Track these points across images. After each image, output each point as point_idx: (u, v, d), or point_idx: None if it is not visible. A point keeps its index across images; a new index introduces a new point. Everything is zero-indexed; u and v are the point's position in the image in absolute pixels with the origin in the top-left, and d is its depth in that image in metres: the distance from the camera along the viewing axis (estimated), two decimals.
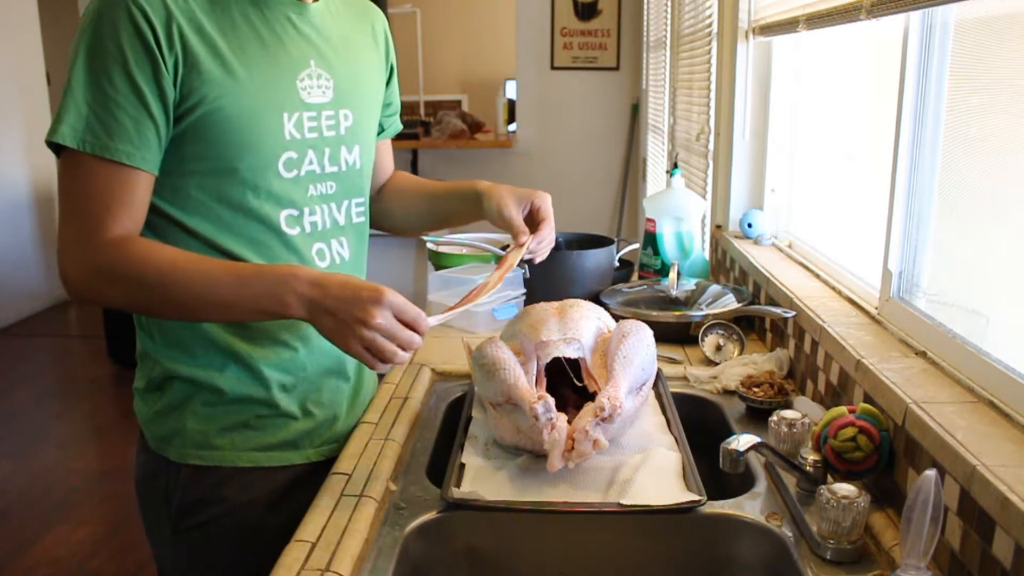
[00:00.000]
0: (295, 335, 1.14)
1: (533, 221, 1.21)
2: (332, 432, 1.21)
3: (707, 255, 2.21)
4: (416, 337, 0.97)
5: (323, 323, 0.97)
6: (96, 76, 0.96)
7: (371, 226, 1.29)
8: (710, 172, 2.31)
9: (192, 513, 1.13)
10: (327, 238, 1.17)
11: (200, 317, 1.06)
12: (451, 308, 1.08)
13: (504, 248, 1.32)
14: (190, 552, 1.15)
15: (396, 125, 1.37)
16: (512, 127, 5.24)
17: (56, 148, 0.99)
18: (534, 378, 1.13)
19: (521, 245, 1.18)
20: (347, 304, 0.95)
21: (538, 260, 1.23)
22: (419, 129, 4.99)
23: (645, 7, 4.40)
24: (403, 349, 0.96)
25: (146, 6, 0.97)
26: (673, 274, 1.76)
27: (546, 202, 1.22)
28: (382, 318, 0.94)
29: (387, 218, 1.39)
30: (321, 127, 1.12)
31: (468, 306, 1.09)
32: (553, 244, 1.24)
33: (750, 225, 1.95)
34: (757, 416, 1.30)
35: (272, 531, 1.05)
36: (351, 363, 1.24)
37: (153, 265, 0.99)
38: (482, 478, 1.08)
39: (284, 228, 1.11)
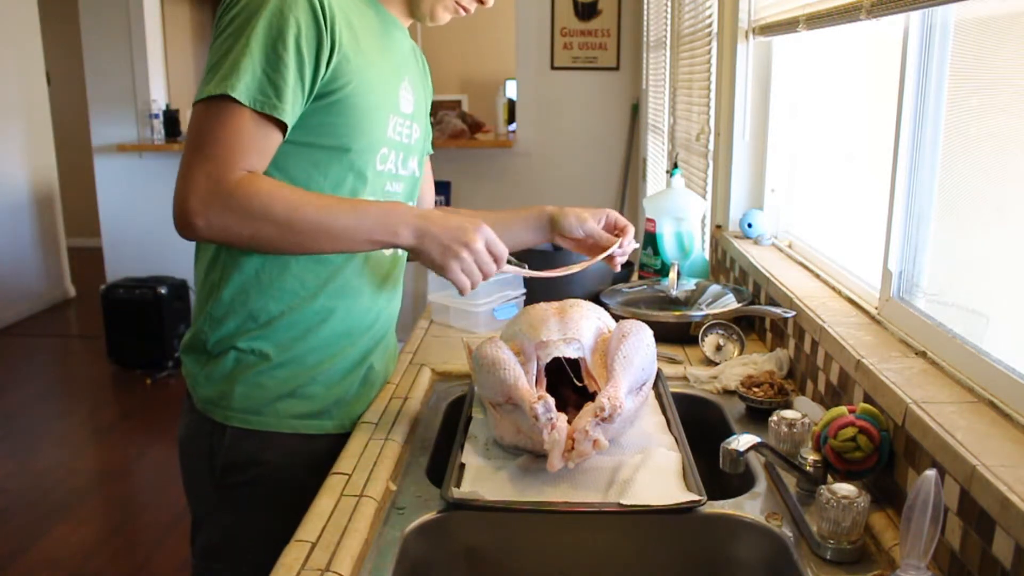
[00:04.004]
0: (337, 306, 1.23)
1: (614, 230, 1.39)
2: (363, 403, 1.31)
3: (707, 255, 2.21)
4: (495, 268, 1.15)
5: (429, 247, 1.11)
6: (273, 41, 1.06)
7: None
8: (710, 172, 2.31)
9: (235, 472, 1.22)
10: None
11: (316, 246, 1.12)
12: (537, 273, 1.30)
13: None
14: (230, 508, 1.24)
15: (428, 148, 1.44)
16: (512, 127, 5.23)
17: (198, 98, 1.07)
18: (534, 378, 1.13)
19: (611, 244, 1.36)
20: (454, 231, 1.11)
21: (621, 263, 1.38)
22: None
23: (645, 7, 4.39)
24: (484, 275, 1.13)
25: None
26: (673, 274, 1.76)
27: (618, 214, 1.40)
28: (480, 244, 1.12)
29: None
30: (402, 133, 1.27)
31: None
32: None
33: (750, 225, 1.95)
34: (757, 416, 1.30)
35: (307, 493, 1.08)
36: (380, 339, 1.34)
37: (280, 196, 1.07)
38: (482, 478, 1.08)
39: None
